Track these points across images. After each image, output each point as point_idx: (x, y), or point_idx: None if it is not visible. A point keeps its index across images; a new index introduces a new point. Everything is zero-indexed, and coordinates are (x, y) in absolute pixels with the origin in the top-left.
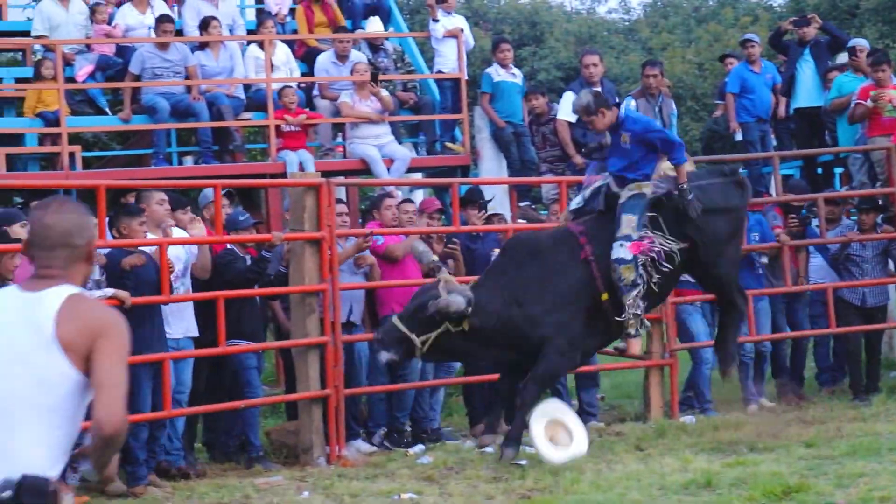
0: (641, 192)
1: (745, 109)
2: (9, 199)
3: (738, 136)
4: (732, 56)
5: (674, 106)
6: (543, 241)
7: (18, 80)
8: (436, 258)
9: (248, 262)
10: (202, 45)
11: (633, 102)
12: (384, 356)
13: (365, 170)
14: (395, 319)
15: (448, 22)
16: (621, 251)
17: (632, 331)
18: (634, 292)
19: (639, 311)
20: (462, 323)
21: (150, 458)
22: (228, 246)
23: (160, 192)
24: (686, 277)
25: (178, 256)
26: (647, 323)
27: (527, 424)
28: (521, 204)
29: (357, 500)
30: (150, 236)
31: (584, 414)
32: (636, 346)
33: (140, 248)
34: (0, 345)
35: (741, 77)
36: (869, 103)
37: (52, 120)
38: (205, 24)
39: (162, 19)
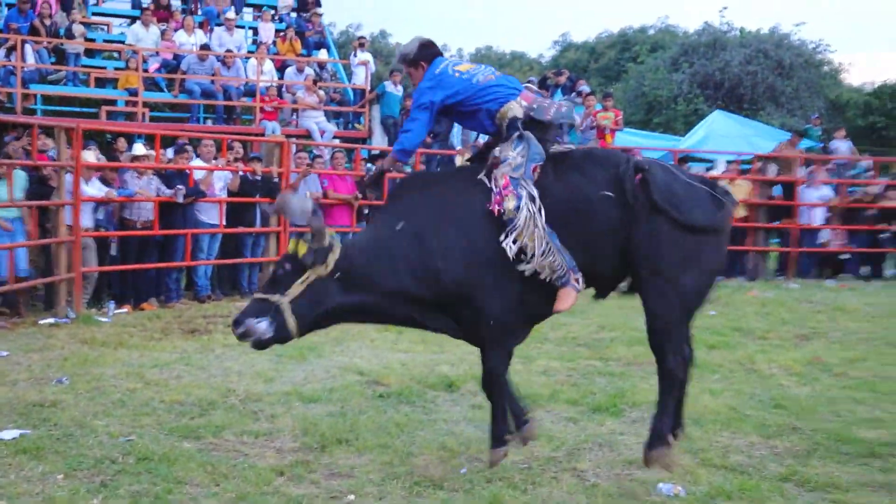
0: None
1: None
2: None
3: None
4: None
5: None
6: None
7: (117, 69)
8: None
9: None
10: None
11: None
12: (255, 331)
13: (307, 135)
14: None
15: (362, 56)
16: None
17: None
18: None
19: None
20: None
21: None
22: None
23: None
24: None
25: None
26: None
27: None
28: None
29: None
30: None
31: None
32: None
33: None
34: None
35: None
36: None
37: (133, 93)
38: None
39: (203, 47)
